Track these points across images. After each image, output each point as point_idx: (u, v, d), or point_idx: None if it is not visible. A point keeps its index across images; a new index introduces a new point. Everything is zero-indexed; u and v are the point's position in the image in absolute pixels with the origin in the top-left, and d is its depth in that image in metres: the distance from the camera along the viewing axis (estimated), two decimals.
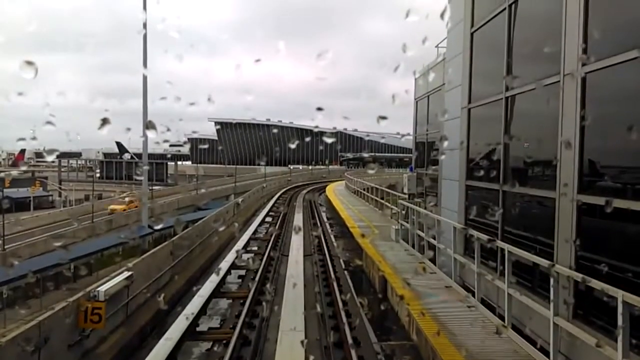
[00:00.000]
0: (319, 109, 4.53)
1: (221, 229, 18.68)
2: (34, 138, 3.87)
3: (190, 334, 9.99)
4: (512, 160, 7.98)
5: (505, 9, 8.00)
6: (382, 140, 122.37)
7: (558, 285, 5.99)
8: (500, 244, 7.24)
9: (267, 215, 30.60)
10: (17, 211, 53.72)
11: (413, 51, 3.28)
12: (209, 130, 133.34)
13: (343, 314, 11.22)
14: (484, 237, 7.92)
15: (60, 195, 79.08)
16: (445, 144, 11.57)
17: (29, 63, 2.91)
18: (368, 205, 28.06)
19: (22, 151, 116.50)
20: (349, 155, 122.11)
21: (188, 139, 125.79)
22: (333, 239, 21.81)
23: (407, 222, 14.90)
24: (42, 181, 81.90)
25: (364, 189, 32.12)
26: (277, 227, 25.64)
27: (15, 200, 60.48)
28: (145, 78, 31.28)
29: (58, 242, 32.57)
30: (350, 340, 9.63)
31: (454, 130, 10.86)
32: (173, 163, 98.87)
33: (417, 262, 12.77)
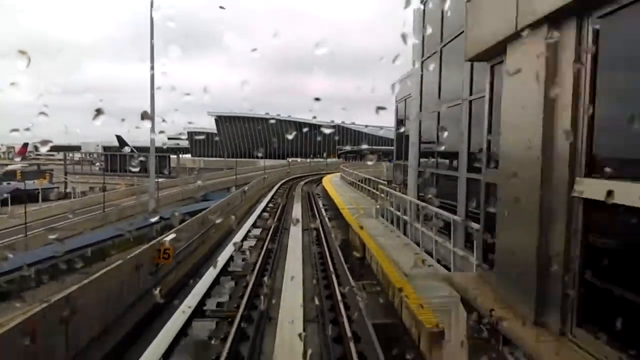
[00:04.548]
0: (317, 99, 4.63)
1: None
2: (27, 129, 3.80)
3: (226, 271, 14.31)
4: (440, 154, 11.89)
5: (437, 51, 11.89)
6: (380, 133, 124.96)
7: (457, 228, 9.92)
8: (421, 203, 11.19)
9: (269, 202, 34.64)
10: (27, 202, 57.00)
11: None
12: (208, 124, 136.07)
13: (330, 266, 15.21)
14: (422, 203, 11.87)
15: (66, 187, 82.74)
16: (410, 140, 15.55)
17: (22, 52, 2.97)
18: (359, 193, 31.90)
19: (25, 145, 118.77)
20: (347, 148, 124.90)
21: (188, 132, 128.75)
22: (327, 220, 25.82)
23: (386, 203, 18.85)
24: (50, 174, 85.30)
25: (358, 180, 35.94)
26: (277, 213, 29.68)
27: (25, 192, 63.96)
28: (152, 76, 34.21)
29: (74, 230, 36.23)
30: (335, 281, 13.59)
31: (414, 130, 14.78)
32: (175, 156, 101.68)
33: (389, 230, 16.73)
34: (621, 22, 3.79)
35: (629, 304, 3.56)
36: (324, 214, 26.61)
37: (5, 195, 57.88)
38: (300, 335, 9.09)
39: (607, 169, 3.81)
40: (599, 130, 3.98)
